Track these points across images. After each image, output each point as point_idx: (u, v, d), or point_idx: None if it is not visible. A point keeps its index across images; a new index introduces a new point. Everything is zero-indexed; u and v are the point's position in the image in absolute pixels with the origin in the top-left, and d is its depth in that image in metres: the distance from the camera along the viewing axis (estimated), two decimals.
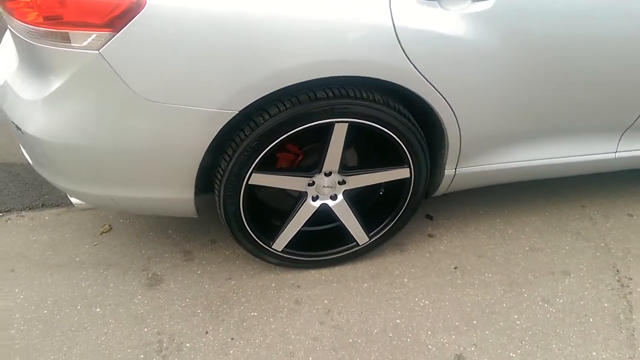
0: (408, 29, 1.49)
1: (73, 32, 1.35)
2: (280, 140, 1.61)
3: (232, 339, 1.75)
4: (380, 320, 1.83)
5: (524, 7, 1.56)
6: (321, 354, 1.70)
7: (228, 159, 1.63)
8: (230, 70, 1.44)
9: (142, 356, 1.69)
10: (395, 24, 1.48)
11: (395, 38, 1.49)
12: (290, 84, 1.49)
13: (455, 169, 1.92)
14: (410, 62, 1.54)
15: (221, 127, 1.52)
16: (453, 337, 1.77)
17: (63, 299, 1.88)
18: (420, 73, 1.57)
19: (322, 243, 2.00)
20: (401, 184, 1.89)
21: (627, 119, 1.97)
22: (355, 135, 1.74)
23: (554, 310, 1.89)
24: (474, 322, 1.83)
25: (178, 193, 1.67)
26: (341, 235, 1.96)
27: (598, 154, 2.06)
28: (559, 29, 1.62)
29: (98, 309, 1.84)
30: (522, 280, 2.01)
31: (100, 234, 2.18)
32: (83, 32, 1.34)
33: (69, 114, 1.48)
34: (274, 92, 1.50)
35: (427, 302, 1.90)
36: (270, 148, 1.62)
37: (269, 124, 1.57)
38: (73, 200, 1.80)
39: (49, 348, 1.69)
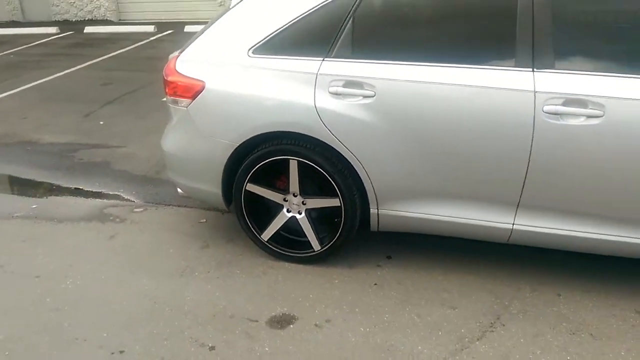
0: (325, 108, 2.71)
1: (179, 99, 3.04)
2: (261, 165, 2.92)
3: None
4: None
5: (397, 101, 2.60)
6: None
7: (237, 172, 3.02)
8: (233, 125, 2.90)
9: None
10: (317, 105, 2.72)
11: (316, 112, 2.72)
12: (260, 132, 2.84)
13: (377, 209, 2.84)
14: (325, 125, 2.72)
15: (231, 152, 2.94)
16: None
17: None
18: (332, 133, 2.71)
19: (295, 243, 3.10)
20: (340, 210, 2.90)
21: (511, 194, 2.58)
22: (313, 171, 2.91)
23: None
24: None
25: (214, 187, 3.09)
26: (307, 242, 3.04)
27: (495, 222, 2.66)
28: (427, 115, 2.57)
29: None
30: None
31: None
32: (181, 99, 3.02)
33: (175, 139, 3.14)
34: (255, 136, 2.86)
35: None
36: (257, 168, 2.94)
37: (254, 155, 2.92)
38: (179, 190, 3.41)
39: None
